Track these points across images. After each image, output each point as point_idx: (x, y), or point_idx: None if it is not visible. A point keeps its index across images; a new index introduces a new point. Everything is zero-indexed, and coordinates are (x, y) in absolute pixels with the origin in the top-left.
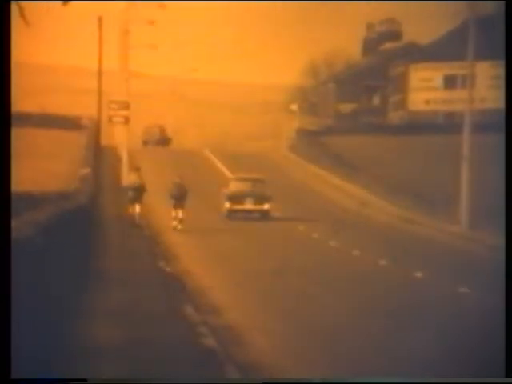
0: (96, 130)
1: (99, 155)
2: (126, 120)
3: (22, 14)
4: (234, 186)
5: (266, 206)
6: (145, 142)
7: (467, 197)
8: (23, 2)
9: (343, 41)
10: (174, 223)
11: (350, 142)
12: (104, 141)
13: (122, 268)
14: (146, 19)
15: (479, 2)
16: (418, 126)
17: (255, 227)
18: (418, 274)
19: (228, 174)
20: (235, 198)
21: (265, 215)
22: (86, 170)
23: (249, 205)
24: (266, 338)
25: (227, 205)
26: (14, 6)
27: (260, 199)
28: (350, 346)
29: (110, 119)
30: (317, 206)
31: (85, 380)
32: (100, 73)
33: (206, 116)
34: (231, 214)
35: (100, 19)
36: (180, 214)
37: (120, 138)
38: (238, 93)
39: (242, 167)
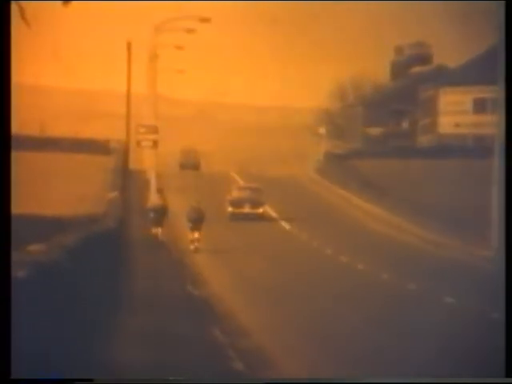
0: (124, 154)
1: (127, 179)
2: (155, 144)
3: (22, 16)
4: (235, 194)
5: (261, 210)
6: (182, 166)
7: (498, 221)
8: (23, 3)
9: (371, 63)
10: (192, 246)
11: (378, 165)
12: (133, 165)
13: (147, 289)
14: (174, 44)
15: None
16: (448, 149)
17: (283, 248)
18: (449, 299)
19: None
20: (236, 204)
21: (260, 217)
22: (114, 194)
23: (247, 209)
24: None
25: (230, 209)
26: (15, 7)
27: (256, 204)
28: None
29: (138, 143)
30: (345, 229)
31: (91, 380)
32: (128, 96)
33: (232, 139)
34: (233, 216)
35: (129, 44)
36: (196, 235)
37: (148, 161)
38: (264, 116)
39: (269, 190)
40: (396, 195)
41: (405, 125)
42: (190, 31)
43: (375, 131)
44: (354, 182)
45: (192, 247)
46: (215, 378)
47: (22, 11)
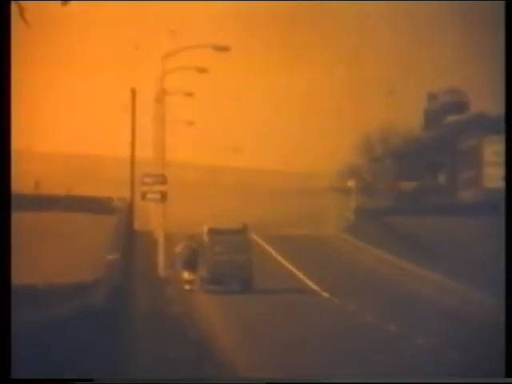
0: (128, 212)
1: (131, 240)
2: (163, 196)
3: (22, 15)
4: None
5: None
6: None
7: None
8: (23, 3)
9: (400, 112)
10: (187, 286)
11: (414, 222)
12: (138, 225)
13: None
14: (183, 91)
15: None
16: (495, 205)
17: (313, 312)
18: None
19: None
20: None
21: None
22: (115, 256)
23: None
24: None
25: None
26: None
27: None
28: None
29: (143, 196)
30: (390, 296)
31: (91, 380)
32: (133, 144)
33: (244, 203)
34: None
35: (133, 91)
36: (189, 275)
37: (156, 219)
38: (277, 179)
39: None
40: (445, 256)
41: (441, 179)
42: (201, 71)
43: (408, 186)
44: (392, 241)
45: (187, 287)
46: (215, 378)
47: (21, 11)
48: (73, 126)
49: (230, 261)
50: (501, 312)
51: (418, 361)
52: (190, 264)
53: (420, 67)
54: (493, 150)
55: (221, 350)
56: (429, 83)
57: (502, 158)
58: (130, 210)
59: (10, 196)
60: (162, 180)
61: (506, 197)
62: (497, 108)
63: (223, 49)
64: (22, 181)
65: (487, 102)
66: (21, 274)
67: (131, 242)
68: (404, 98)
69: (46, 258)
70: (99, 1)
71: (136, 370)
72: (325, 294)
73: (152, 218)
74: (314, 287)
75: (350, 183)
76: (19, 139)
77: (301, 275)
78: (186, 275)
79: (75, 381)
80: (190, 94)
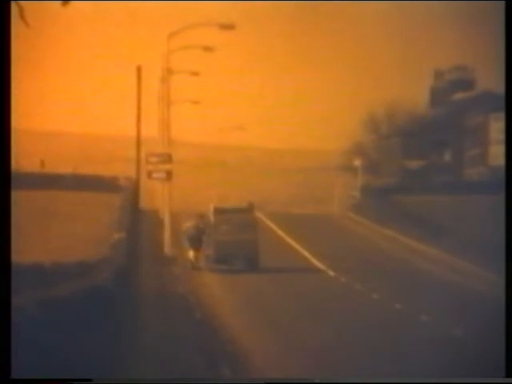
0: (134, 191)
1: (137, 219)
2: (169, 175)
3: (22, 16)
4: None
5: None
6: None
7: None
8: (23, 3)
9: (407, 90)
10: (189, 264)
11: (421, 201)
12: (143, 204)
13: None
14: (189, 70)
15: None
16: (501, 183)
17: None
18: None
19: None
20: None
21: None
22: (120, 235)
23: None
24: None
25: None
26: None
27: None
28: None
29: (149, 175)
30: (395, 274)
31: (90, 380)
32: (138, 123)
33: (248, 182)
34: None
35: (139, 68)
36: (194, 254)
37: (161, 198)
38: (283, 157)
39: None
40: (450, 233)
41: (447, 157)
42: (207, 49)
43: (414, 164)
44: (399, 219)
45: (191, 266)
46: (214, 379)
47: (21, 11)
48: (79, 105)
49: (235, 240)
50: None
51: (420, 337)
52: (196, 243)
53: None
54: (499, 127)
55: (226, 329)
56: (436, 60)
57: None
58: (135, 188)
59: (10, 175)
60: (168, 159)
61: (506, 174)
62: (503, 85)
63: (229, 27)
64: (27, 159)
65: (493, 79)
66: (26, 252)
67: (137, 220)
68: (411, 76)
69: (51, 237)
70: (99, 1)
71: (141, 350)
72: (330, 273)
73: (157, 196)
74: (320, 266)
75: (356, 162)
76: (24, 119)
77: (307, 254)
78: (191, 254)
79: (75, 381)
80: (195, 73)
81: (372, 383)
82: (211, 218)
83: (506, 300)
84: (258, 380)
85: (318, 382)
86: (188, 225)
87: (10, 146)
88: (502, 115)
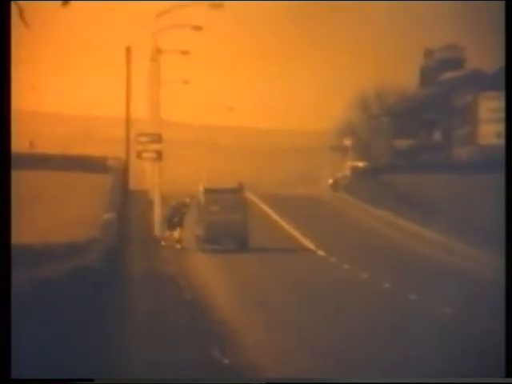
0: (123, 171)
1: (127, 199)
2: (159, 155)
3: (21, 16)
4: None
5: None
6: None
7: None
8: (23, 3)
9: (397, 70)
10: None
11: (410, 180)
12: (133, 185)
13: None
14: (178, 49)
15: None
16: (490, 162)
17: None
18: None
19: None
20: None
21: None
22: (110, 215)
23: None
24: None
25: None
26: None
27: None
28: None
29: (138, 155)
30: (384, 253)
31: (91, 380)
32: (128, 103)
33: (239, 162)
34: None
35: (129, 49)
36: (172, 235)
37: (151, 179)
38: (273, 137)
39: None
40: (439, 213)
41: (437, 136)
42: (197, 28)
43: (404, 144)
44: (388, 199)
45: (163, 243)
46: (214, 378)
47: (21, 11)
48: (68, 86)
49: (225, 220)
50: (492, 268)
51: (411, 317)
52: (173, 223)
53: (418, 24)
54: (488, 106)
55: (216, 309)
56: (426, 39)
57: (497, 115)
58: (125, 169)
59: (10, 156)
60: (158, 139)
61: (506, 152)
62: (493, 64)
63: (218, 6)
64: (16, 140)
65: (484, 58)
66: (15, 234)
67: (126, 201)
68: (401, 55)
69: (40, 218)
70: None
71: (132, 330)
72: (320, 253)
73: (147, 177)
74: (310, 246)
75: (347, 141)
76: (14, 99)
77: (297, 234)
78: (167, 234)
79: (75, 381)
80: (185, 53)
81: (372, 383)
82: (201, 198)
83: (506, 301)
84: (258, 380)
85: (318, 382)
86: (166, 208)
87: (10, 131)
88: (491, 94)
